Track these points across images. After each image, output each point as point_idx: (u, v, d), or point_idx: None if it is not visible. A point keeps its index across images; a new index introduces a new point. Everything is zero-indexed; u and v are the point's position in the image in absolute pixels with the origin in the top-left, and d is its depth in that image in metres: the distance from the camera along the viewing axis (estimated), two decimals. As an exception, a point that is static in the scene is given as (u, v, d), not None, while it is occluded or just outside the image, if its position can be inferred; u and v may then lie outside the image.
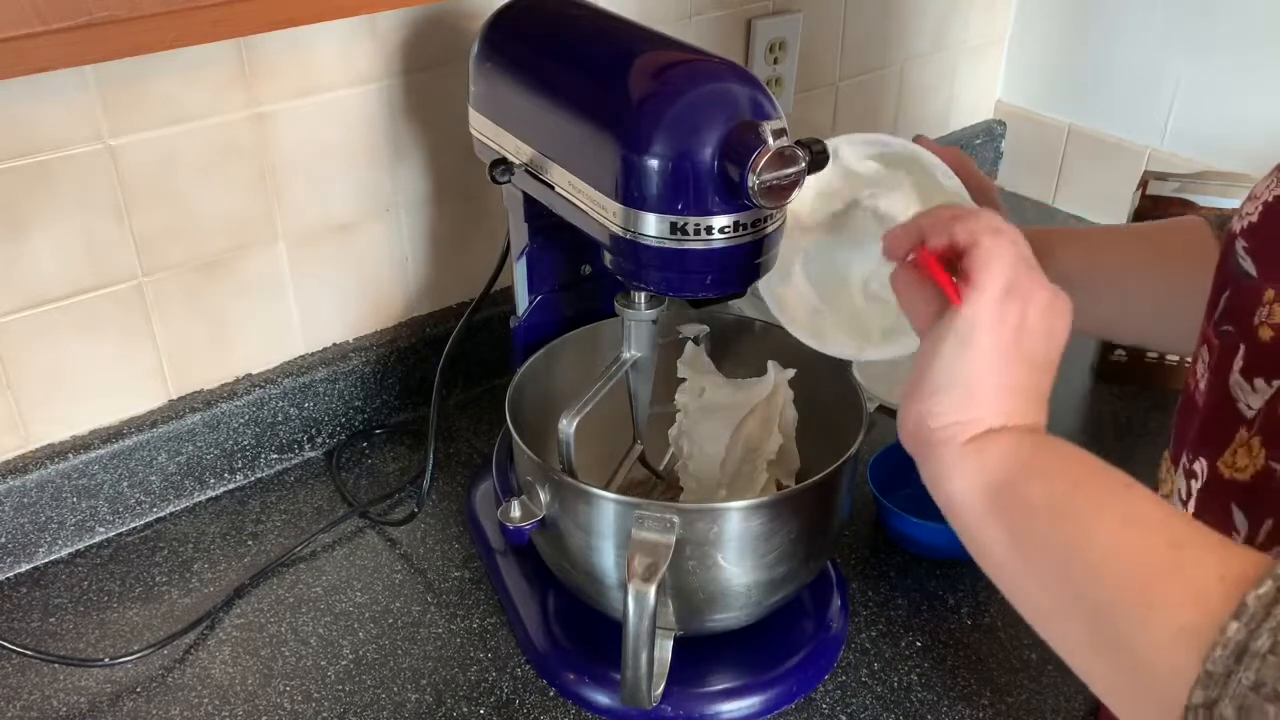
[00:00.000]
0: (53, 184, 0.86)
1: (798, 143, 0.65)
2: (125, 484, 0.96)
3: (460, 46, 0.98)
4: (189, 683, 0.83)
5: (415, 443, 1.09)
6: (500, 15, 0.83)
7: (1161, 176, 1.12)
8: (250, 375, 1.03)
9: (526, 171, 0.79)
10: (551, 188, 0.76)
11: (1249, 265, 0.63)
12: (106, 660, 0.84)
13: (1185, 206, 1.05)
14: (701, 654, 0.82)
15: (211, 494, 1.02)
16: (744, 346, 0.93)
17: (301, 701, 0.81)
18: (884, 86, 1.47)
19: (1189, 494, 0.66)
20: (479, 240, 1.12)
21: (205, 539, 0.97)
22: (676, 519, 0.71)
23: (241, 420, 1.01)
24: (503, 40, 0.82)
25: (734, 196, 0.65)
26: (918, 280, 0.61)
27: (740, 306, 0.99)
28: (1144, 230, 0.93)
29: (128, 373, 0.96)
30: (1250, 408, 0.61)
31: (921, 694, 0.82)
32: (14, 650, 0.83)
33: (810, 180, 0.78)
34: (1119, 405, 1.14)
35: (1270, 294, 0.60)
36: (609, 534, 0.74)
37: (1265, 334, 0.60)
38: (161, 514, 0.99)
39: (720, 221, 0.67)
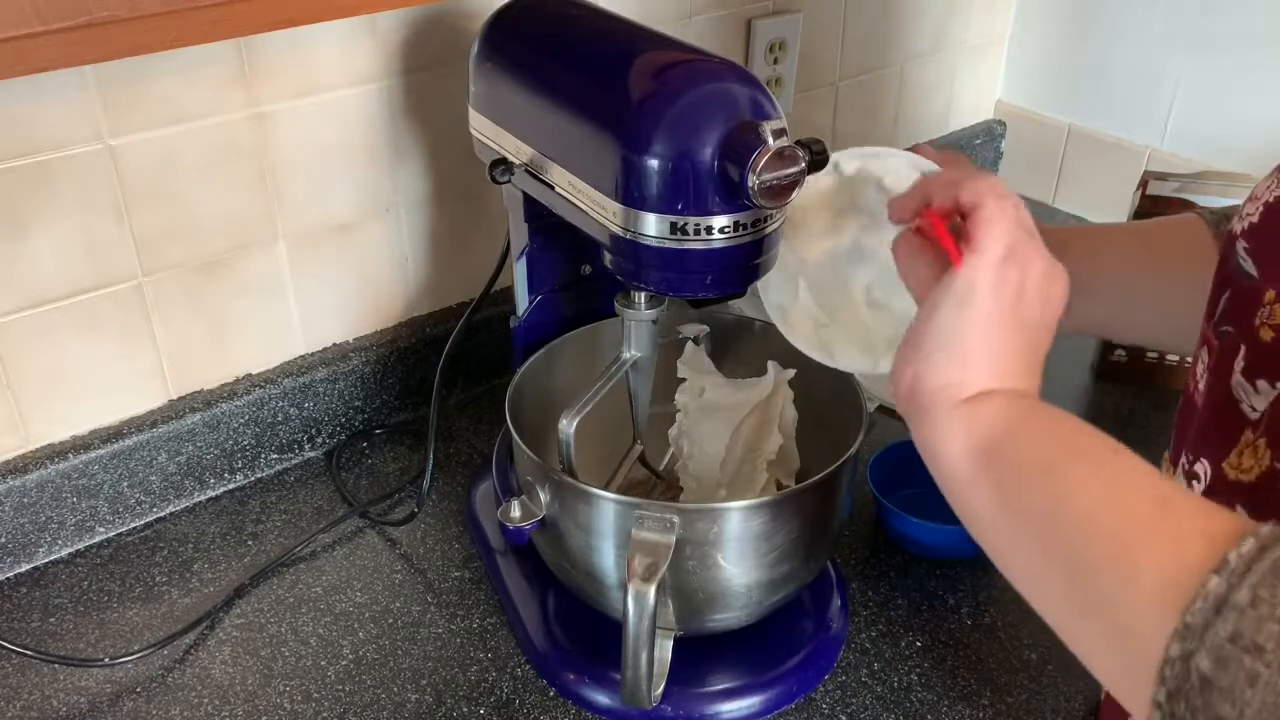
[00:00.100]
0: (53, 184, 0.86)
1: (798, 143, 0.65)
2: (125, 484, 0.96)
3: (460, 46, 0.98)
4: (189, 683, 0.83)
5: (415, 443, 1.09)
6: (500, 15, 0.83)
7: (1161, 176, 1.12)
8: (250, 375, 1.03)
9: (526, 171, 0.79)
10: (551, 188, 0.76)
11: (1250, 266, 0.63)
12: (106, 660, 0.84)
13: (1185, 206, 1.05)
14: (701, 654, 0.82)
15: (211, 494, 1.02)
16: (744, 346, 0.93)
17: (301, 701, 0.81)
18: (884, 86, 1.47)
19: None
20: (479, 240, 1.12)
21: (205, 539, 0.97)
22: (676, 519, 0.71)
23: (241, 420, 1.01)
24: (503, 40, 0.82)
25: (734, 196, 0.65)
26: (919, 245, 0.62)
27: (740, 306, 0.99)
28: (1141, 228, 0.93)
29: (128, 373, 0.96)
30: (1254, 409, 0.60)
31: (921, 694, 0.82)
32: (14, 650, 0.83)
33: (813, 195, 0.78)
34: (1119, 405, 1.14)
35: (1271, 294, 0.60)
36: (609, 534, 0.74)
37: (1266, 335, 0.60)
38: (161, 514, 0.99)
39: (720, 221, 0.67)
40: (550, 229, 0.85)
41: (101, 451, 0.94)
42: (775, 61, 1.30)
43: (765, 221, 0.68)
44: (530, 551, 0.83)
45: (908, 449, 0.97)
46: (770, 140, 0.63)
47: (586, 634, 0.84)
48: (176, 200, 0.92)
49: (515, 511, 0.76)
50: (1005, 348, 0.58)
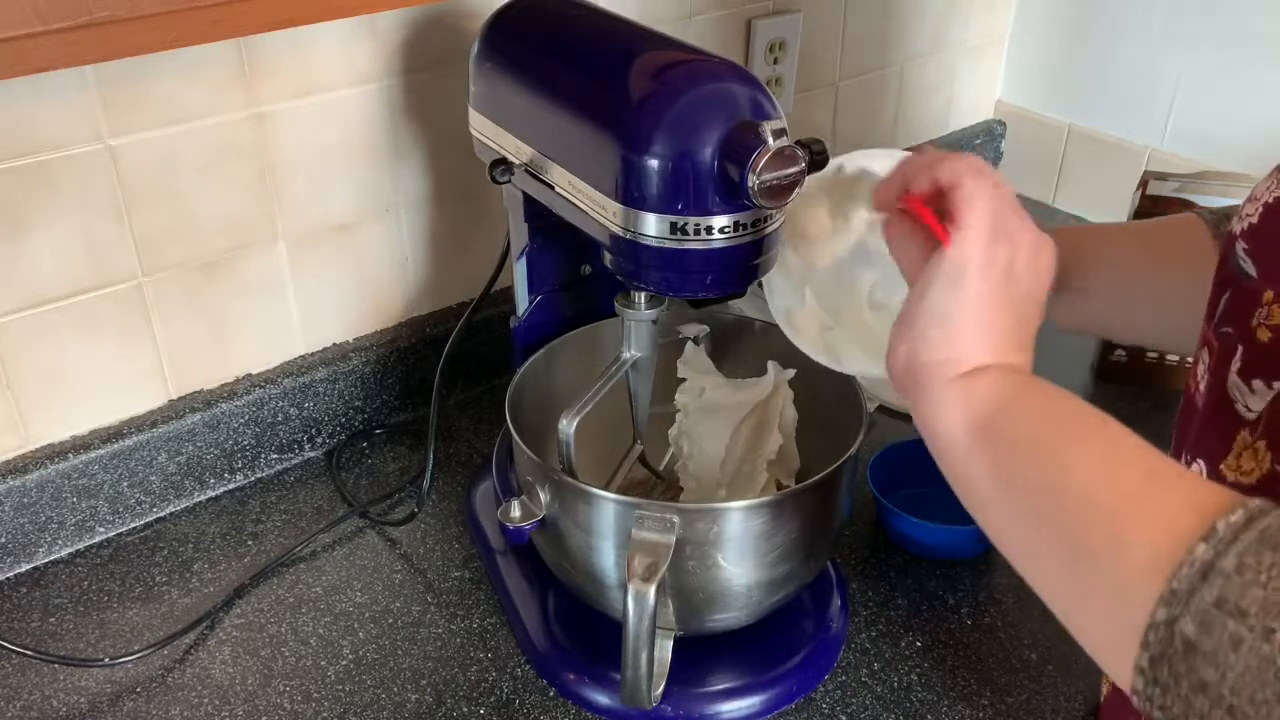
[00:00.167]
0: (53, 184, 0.86)
1: (798, 143, 0.65)
2: (125, 484, 0.96)
3: (460, 46, 0.98)
4: (189, 683, 0.83)
5: (415, 443, 1.09)
6: (500, 15, 0.83)
7: (1161, 176, 1.12)
8: (250, 375, 1.03)
9: (526, 171, 0.79)
10: (551, 188, 0.76)
11: (1249, 267, 0.63)
12: (106, 660, 0.84)
13: (1185, 206, 1.05)
14: (701, 654, 0.82)
15: (211, 494, 1.02)
16: (744, 346, 0.93)
17: (301, 701, 0.81)
18: (884, 86, 1.47)
19: None
20: (479, 240, 1.12)
21: (205, 539, 0.97)
22: (676, 519, 0.71)
23: (241, 420, 1.01)
24: (503, 40, 0.82)
25: (734, 196, 0.65)
26: (909, 229, 0.63)
27: (740, 306, 0.99)
28: (1140, 228, 0.93)
29: (128, 373, 0.96)
30: (1249, 409, 0.60)
31: (921, 694, 0.82)
32: (14, 650, 0.83)
33: (816, 198, 0.78)
34: (1119, 405, 1.12)
35: (1270, 295, 0.60)
36: (609, 534, 0.74)
37: (1264, 335, 0.60)
38: (161, 514, 0.99)
39: (720, 221, 0.67)
40: (550, 229, 0.85)
41: (101, 451, 0.94)
42: (775, 61, 1.30)
43: (765, 221, 0.68)
44: (530, 551, 0.83)
45: (908, 449, 0.98)
46: (770, 140, 0.63)
47: (586, 634, 0.84)
48: (176, 200, 0.92)
49: (515, 511, 0.76)
50: (997, 324, 0.58)
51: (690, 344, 0.92)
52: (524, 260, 0.88)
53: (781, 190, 0.65)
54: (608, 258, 0.73)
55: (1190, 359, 0.71)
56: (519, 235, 0.88)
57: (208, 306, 0.98)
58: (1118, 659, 0.48)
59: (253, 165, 0.95)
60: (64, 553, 0.95)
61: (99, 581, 0.92)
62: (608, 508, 0.73)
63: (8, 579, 0.92)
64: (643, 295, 0.77)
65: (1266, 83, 1.30)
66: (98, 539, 0.96)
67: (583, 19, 0.80)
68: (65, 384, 0.93)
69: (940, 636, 0.87)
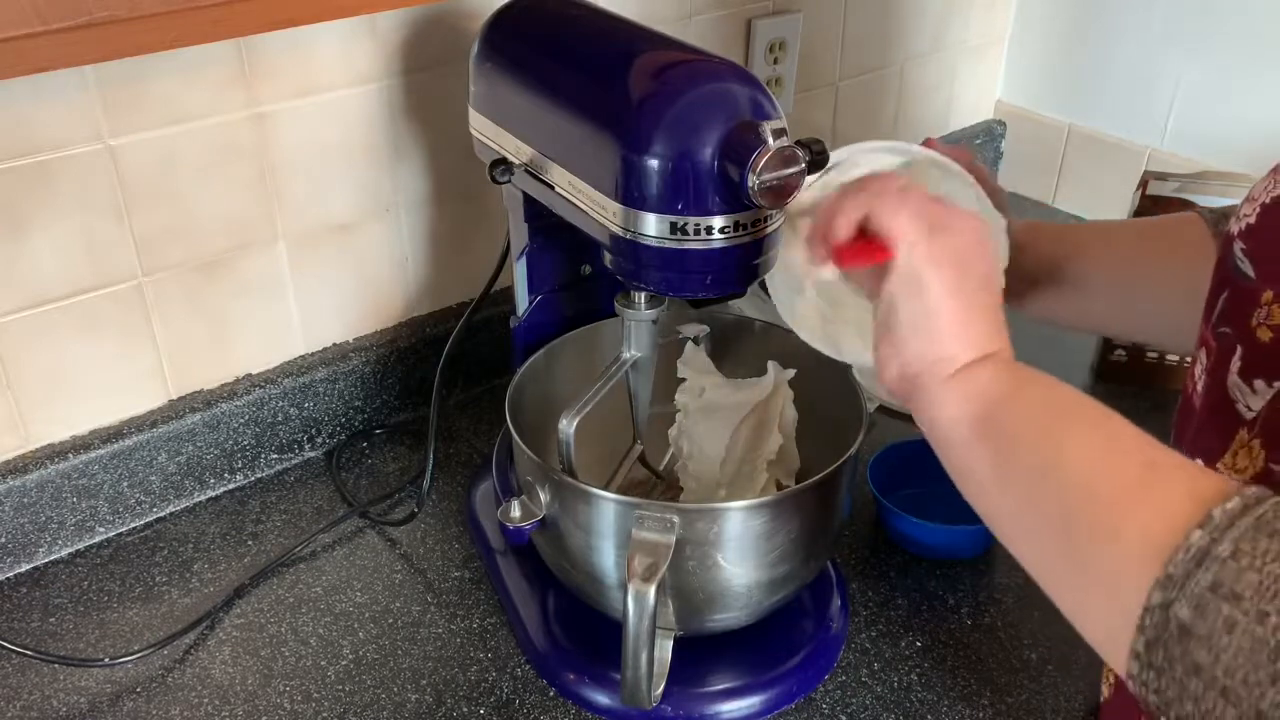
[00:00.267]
0: (53, 184, 0.86)
1: (798, 143, 0.65)
2: (125, 484, 0.96)
3: (460, 46, 0.98)
4: (189, 683, 0.83)
5: (415, 443, 1.09)
6: (500, 15, 0.83)
7: (1161, 176, 1.12)
8: (250, 375, 1.03)
9: (526, 171, 0.79)
10: (551, 188, 0.76)
11: (1247, 267, 0.63)
12: (106, 660, 0.84)
13: (1185, 206, 1.05)
14: (701, 654, 0.82)
15: (211, 494, 1.02)
16: (744, 346, 0.93)
17: (301, 701, 0.81)
18: (884, 86, 1.47)
19: None
20: (479, 240, 1.12)
21: (205, 539, 0.97)
22: (676, 519, 0.71)
23: (241, 420, 1.01)
24: (503, 40, 0.82)
25: (734, 196, 0.65)
26: (859, 263, 0.63)
27: (740, 306, 0.99)
28: (1139, 226, 0.93)
29: (128, 373, 0.96)
30: (1250, 409, 0.61)
31: (921, 694, 0.82)
32: (14, 650, 0.83)
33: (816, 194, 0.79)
34: (1119, 405, 1.13)
35: (1269, 295, 0.60)
36: (609, 534, 0.74)
37: (1264, 335, 0.60)
38: (161, 514, 0.99)
39: (720, 221, 0.67)
40: (550, 229, 0.85)
41: (101, 451, 0.94)
42: (775, 61, 1.30)
43: (765, 221, 0.68)
44: (530, 551, 0.83)
45: (908, 449, 0.98)
46: (770, 140, 0.63)
47: (586, 634, 0.84)
48: (176, 200, 0.92)
49: (515, 511, 0.76)
50: (970, 314, 0.59)
51: (690, 344, 0.92)
52: (524, 260, 0.88)
53: (781, 190, 0.65)
54: (608, 258, 0.73)
55: (1188, 358, 0.71)
56: (519, 235, 0.88)
57: (208, 306, 0.98)
58: (1115, 644, 0.49)
59: (253, 165, 0.95)
60: (64, 553, 0.95)
61: (99, 581, 0.92)
62: (608, 508, 0.73)
63: (8, 579, 0.92)
64: (643, 295, 0.77)
65: (1266, 83, 1.30)
66: (98, 539, 0.96)
67: (583, 19, 0.80)
68: (65, 384, 0.93)
69: (940, 636, 0.87)
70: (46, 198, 0.86)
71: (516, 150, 0.80)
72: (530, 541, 0.79)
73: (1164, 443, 0.72)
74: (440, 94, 1.03)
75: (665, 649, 0.78)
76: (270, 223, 0.98)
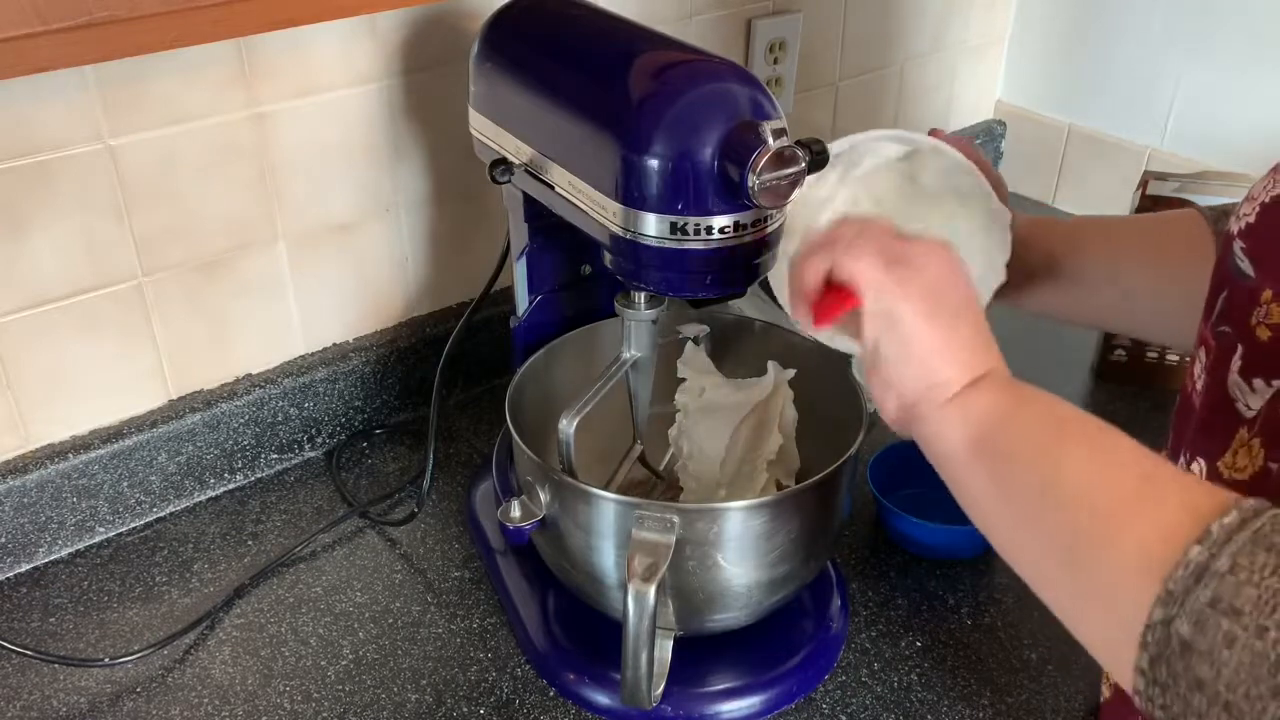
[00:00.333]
0: (53, 184, 0.86)
1: (798, 143, 0.65)
2: (125, 484, 0.96)
3: (460, 46, 0.98)
4: (189, 683, 0.83)
5: (415, 443, 1.09)
6: (500, 15, 0.83)
7: (1161, 176, 1.12)
8: (250, 375, 1.03)
9: (526, 171, 0.79)
10: (551, 188, 0.76)
11: (1247, 266, 0.63)
12: (106, 660, 0.84)
13: (1185, 206, 1.05)
14: (701, 654, 0.82)
15: (211, 494, 1.02)
16: (744, 346, 0.93)
17: (301, 701, 0.81)
18: (884, 86, 1.47)
19: None
20: (479, 240, 1.12)
21: (205, 539, 0.97)
22: (676, 519, 0.71)
23: (241, 420, 1.01)
24: (503, 40, 0.82)
25: (734, 196, 0.65)
26: (835, 315, 0.64)
27: (740, 306, 0.99)
28: (1138, 222, 0.93)
29: (128, 373, 0.96)
30: (1249, 408, 0.61)
31: (921, 694, 0.82)
32: (14, 650, 0.83)
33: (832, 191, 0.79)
34: (1119, 405, 1.14)
35: (1268, 294, 0.60)
36: (609, 534, 0.74)
37: (1263, 334, 0.60)
38: (161, 514, 0.99)
39: (720, 221, 0.67)
40: (550, 229, 0.85)
41: (101, 451, 0.94)
42: (775, 61, 1.30)
43: (765, 221, 0.68)
44: (530, 551, 0.83)
45: (908, 449, 0.97)
46: (770, 140, 0.63)
47: (586, 634, 0.84)
48: (176, 200, 0.92)
49: (515, 511, 0.76)
50: (954, 339, 0.59)
51: (690, 344, 0.92)
52: (524, 260, 0.88)
53: (781, 190, 0.65)
54: (608, 258, 0.73)
55: (1187, 357, 0.72)
56: (519, 235, 0.88)
57: (208, 306, 0.98)
58: (1119, 660, 0.49)
59: (253, 165, 0.95)
60: (64, 553, 0.95)
61: (99, 581, 0.92)
62: (608, 508, 0.73)
63: (8, 579, 0.92)
64: (643, 295, 0.77)
65: (1266, 83, 1.30)
66: (98, 539, 0.96)
67: (583, 19, 0.80)
68: (65, 384, 0.93)
69: (940, 636, 0.87)
70: (46, 198, 0.86)
71: (516, 150, 0.80)
72: (530, 541, 0.79)
73: (1163, 442, 0.73)
74: (440, 94, 1.03)
75: (665, 649, 0.78)
76: (270, 223, 0.98)
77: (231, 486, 1.03)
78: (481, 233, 1.12)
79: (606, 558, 0.75)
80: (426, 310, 1.12)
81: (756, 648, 0.84)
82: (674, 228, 0.67)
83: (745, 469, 0.88)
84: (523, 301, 0.90)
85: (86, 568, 0.94)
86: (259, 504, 1.01)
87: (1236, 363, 0.62)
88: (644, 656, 0.70)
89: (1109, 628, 0.50)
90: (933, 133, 0.84)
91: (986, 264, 0.83)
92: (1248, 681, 0.43)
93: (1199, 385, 0.66)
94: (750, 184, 0.63)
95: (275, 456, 1.05)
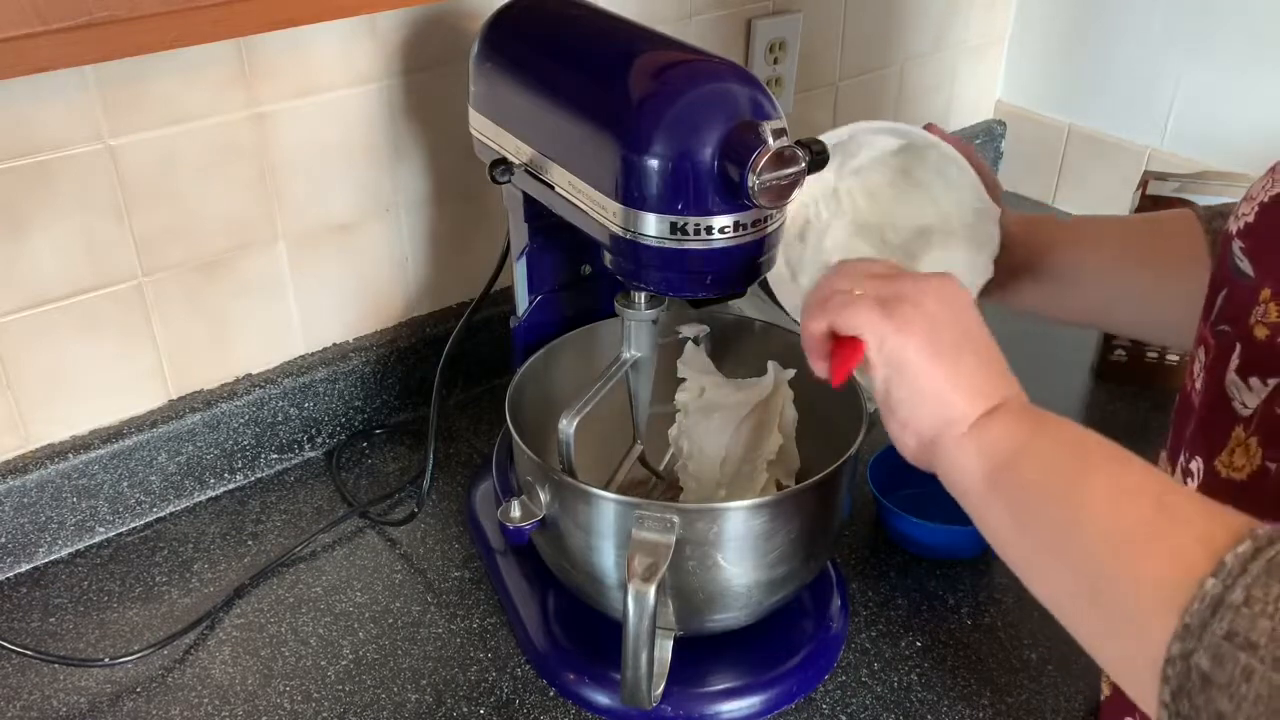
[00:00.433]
0: (53, 184, 0.86)
1: (798, 143, 0.65)
2: (125, 484, 0.96)
3: (460, 46, 0.98)
4: (189, 683, 0.83)
5: (415, 443, 1.09)
6: (500, 15, 0.83)
7: (1161, 176, 1.12)
8: (250, 375, 1.03)
9: (526, 171, 0.79)
10: (551, 188, 0.76)
11: (1246, 265, 0.63)
12: (106, 660, 0.84)
13: (1185, 206, 1.05)
14: (701, 654, 0.82)
15: (211, 494, 1.02)
16: (744, 346, 0.93)
17: (301, 701, 0.81)
18: (884, 86, 1.47)
19: None
20: (479, 240, 1.12)
21: (205, 539, 0.97)
22: (676, 519, 0.71)
23: (241, 420, 1.01)
24: (503, 40, 0.82)
25: (734, 196, 0.65)
26: (848, 370, 0.64)
27: (740, 306, 0.99)
28: (1132, 222, 0.93)
29: (128, 373, 0.96)
30: (1246, 406, 0.61)
31: (921, 694, 0.82)
32: (14, 650, 0.83)
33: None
34: (1119, 405, 1.14)
35: (1267, 293, 0.60)
36: (609, 534, 0.74)
37: (1261, 333, 0.60)
38: (161, 514, 0.99)
39: (720, 221, 0.67)
40: (550, 229, 0.85)
41: (101, 451, 0.94)
42: (775, 61, 1.30)
43: (765, 221, 0.68)
44: (530, 551, 0.83)
45: (907, 449, 0.98)
46: (770, 140, 0.63)
47: (586, 634, 0.84)
48: (176, 200, 0.92)
49: (515, 511, 0.76)
50: (961, 372, 0.59)
51: (690, 344, 0.92)
52: (524, 260, 0.88)
53: (781, 190, 0.65)
54: (608, 258, 0.73)
55: (1187, 355, 0.72)
56: (519, 235, 0.88)
57: (208, 306, 0.98)
58: (1144, 692, 0.49)
59: (253, 165, 0.95)
60: (64, 553, 0.95)
61: (99, 581, 0.92)
62: (608, 508, 0.73)
63: (8, 579, 0.92)
64: (643, 295, 0.77)
65: (1266, 83, 1.30)
66: (98, 539, 0.96)
67: (583, 19, 0.80)
68: (65, 384, 0.93)
69: (940, 636, 0.87)
70: (46, 198, 0.86)
71: (516, 150, 0.80)
72: (530, 541, 0.79)
73: (1163, 442, 0.73)
74: (440, 94, 1.03)
75: (665, 649, 0.78)
76: (270, 223, 0.98)
77: (231, 486, 1.03)
78: (481, 233, 1.12)
79: (606, 558, 0.75)
80: (426, 310, 1.12)
81: (756, 648, 0.84)
82: (674, 228, 0.67)
83: (745, 469, 0.88)
84: (523, 301, 0.90)
85: (86, 568, 0.94)
86: (259, 504, 1.01)
87: (1235, 361, 0.62)
88: (644, 656, 0.70)
89: (1131, 660, 0.50)
90: (928, 127, 0.84)
91: (974, 260, 0.84)
92: (1266, 715, 0.44)
93: (1198, 384, 0.66)
94: (750, 184, 0.63)
95: (275, 456, 1.05)
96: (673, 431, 0.90)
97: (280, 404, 1.03)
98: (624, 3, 0.99)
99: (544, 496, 0.76)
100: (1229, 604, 0.45)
